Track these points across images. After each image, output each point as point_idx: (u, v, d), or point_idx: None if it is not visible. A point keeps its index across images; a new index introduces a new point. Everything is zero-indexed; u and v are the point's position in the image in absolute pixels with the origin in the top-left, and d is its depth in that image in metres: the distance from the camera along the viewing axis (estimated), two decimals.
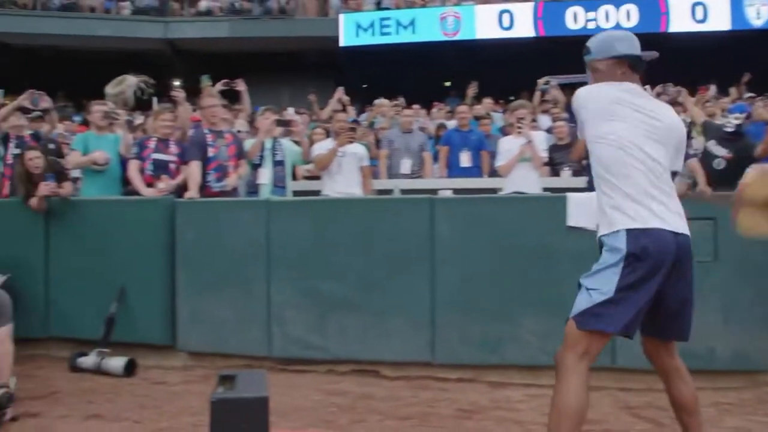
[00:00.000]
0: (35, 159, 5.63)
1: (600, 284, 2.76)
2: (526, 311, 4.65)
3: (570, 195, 4.78)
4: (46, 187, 5.47)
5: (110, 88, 6.85)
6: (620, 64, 2.95)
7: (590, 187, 5.56)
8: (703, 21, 16.90)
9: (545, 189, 6.17)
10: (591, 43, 3.06)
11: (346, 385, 4.72)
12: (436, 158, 7.88)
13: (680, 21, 16.92)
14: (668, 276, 2.77)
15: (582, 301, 2.80)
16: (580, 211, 4.62)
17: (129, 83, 6.84)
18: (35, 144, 6.36)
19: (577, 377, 2.79)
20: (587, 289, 2.79)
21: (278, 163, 6.36)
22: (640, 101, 2.89)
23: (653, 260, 2.72)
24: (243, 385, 2.98)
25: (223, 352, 5.22)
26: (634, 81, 2.95)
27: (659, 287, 2.76)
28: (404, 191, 6.29)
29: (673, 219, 2.79)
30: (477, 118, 8.47)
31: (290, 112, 8.22)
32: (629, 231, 2.74)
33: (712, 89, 10.30)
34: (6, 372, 4.09)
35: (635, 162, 2.79)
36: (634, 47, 2.98)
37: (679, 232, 2.78)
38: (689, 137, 7.20)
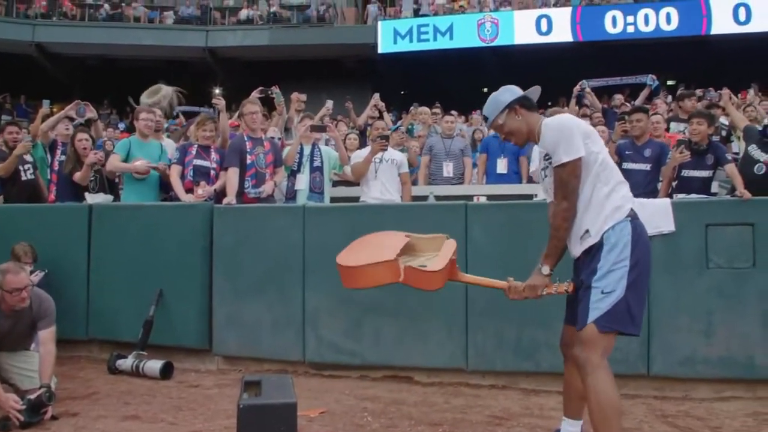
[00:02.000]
0: (84, 140, 6.25)
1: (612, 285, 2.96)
2: (561, 317, 4.57)
3: None
4: (94, 155, 5.97)
5: (145, 98, 6.98)
6: (513, 110, 3.22)
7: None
8: (746, 22, 16.51)
9: None
10: (485, 112, 3.35)
11: (378, 390, 4.74)
12: (475, 165, 7.83)
13: (722, 23, 16.60)
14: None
15: (599, 304, 2.98)
16: None
17: (164, 93, 6.97)
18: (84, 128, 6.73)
19: (608, 372, 2.97)
20: (603, 291, 2.98)
21: (316, 169, 6.35)
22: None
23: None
24: (269, 390, 2.96)
25: (258, 356, 5.29)
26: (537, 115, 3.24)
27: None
28: (439, 197, 6.26)
29: None
30: None
31: (329, 105, 8.13)
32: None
33: (751, 92, 10.04)
34: (48, 372, 4.24)
35: None
36: (515, 92, 3.26)
37: None
38: (728, 141, 7.06)
